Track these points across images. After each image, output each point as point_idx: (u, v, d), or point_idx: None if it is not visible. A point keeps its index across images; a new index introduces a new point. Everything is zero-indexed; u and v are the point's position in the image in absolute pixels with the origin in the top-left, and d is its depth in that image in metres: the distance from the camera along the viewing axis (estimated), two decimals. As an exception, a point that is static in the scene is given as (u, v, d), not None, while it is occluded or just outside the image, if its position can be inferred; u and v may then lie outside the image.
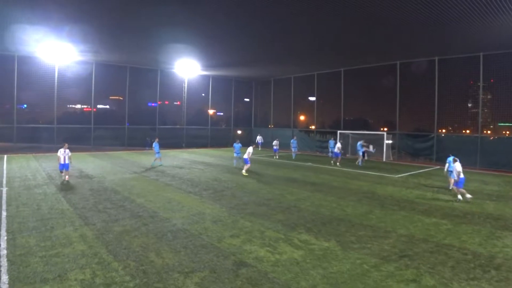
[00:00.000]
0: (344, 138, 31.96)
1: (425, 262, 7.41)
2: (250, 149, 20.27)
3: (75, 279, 6.29)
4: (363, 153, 25.39)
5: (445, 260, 7.53)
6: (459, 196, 13.75)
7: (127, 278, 6.40)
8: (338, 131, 33.04)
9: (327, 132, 35.95)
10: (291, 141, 30.50)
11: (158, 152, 22.74)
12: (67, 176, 16.23)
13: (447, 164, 15.96)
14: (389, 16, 17.11)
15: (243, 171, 19.84)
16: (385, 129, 31.08)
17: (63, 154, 16.10)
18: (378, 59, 29.25)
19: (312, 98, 37.66)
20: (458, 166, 13.70)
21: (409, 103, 29.69)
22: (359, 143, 25.76)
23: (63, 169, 16.12)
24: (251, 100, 45.53)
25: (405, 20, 17.70)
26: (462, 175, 13.64)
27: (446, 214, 11.59)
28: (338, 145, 25.70)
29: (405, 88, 29.37)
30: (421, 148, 28.25)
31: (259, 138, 39.04)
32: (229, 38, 23.66)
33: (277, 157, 29.31)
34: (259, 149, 37.73)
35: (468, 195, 13.62)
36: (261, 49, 26.63)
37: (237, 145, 23.46)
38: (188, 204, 12.41)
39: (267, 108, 44.05)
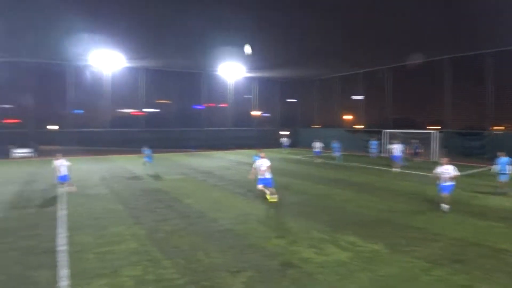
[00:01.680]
0: (392, 138, 30.56)
1: (478, 267, 6.97)
2: (256, 164, 13.51)
3: (128, 275, 6.58)
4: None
5: (501, 266, 7.04)
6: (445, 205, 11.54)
7: (176, 275, 6.59)
8: (384, 130, 31.92)
9: (373, 131, 34.85)
10: (333, 145, 28.13)
11: (149, 157, 21.57)
12: (73, 188, 14.81)
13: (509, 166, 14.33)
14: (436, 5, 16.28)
15: (269, 196, 13.12)
16: (433, 127, 29.54)
17: (59, 165, 14.41)
18: (425, 55, 27.83)
19: (358, 97, 36.73)
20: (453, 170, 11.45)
21: (459, 100, 27.92)
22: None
23: (63, 181, 14.46)
24: (296, 100, 45.32)
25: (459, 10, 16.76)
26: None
27: (502, 217, 10.81)
28: (400, 146, 22.20)
29: (454, 85, 27.72)
30: (473, 146, 26.50)
31: (285, 140, 37.56)
32: (280, 39, 23.74)
33: (318, 160, 27.51)
34: (285, 151, 36.33)
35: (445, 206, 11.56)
36: (308, 48, 26.37)
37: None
38: (234, 204, 12.56)
39: (311, 108, 43.57)
